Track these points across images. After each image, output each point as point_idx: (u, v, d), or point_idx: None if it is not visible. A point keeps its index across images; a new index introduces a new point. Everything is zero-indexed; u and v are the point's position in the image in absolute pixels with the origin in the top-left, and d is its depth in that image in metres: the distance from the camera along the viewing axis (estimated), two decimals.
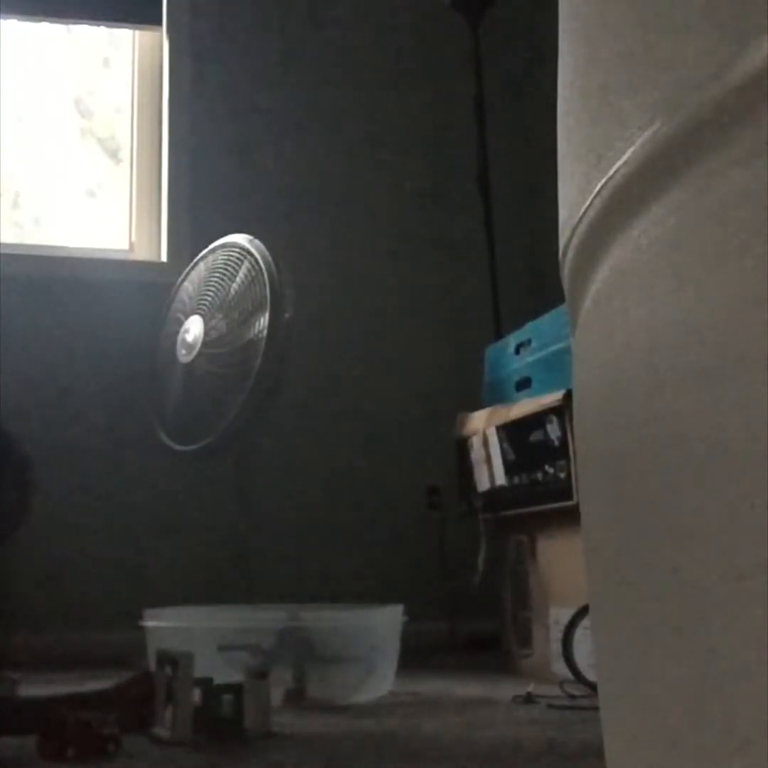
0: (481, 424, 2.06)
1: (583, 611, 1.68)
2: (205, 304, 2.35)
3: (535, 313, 2.06)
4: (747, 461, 0.29)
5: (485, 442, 2.03)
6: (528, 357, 2.06)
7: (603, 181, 0.36)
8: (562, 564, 1.86)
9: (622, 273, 0.36)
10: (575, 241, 0.40)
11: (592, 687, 1.57)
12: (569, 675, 1.66)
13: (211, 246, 2.44)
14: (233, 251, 2.35)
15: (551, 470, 1.82)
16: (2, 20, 2.80)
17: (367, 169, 2.92)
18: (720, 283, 0.30)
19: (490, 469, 2.02)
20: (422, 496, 2.65)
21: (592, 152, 0.37)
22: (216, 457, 2.38)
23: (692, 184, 0.31)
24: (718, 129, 0.30)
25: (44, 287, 2.64)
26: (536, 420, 1.85)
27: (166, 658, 1.28)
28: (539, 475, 1.87)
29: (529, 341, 2.06)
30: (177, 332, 2.40)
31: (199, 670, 1.27)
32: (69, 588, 2.51)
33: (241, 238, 2.36)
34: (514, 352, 2.12)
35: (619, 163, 0.35)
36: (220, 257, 2.38)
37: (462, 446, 2.14)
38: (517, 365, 2.10)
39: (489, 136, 2.78)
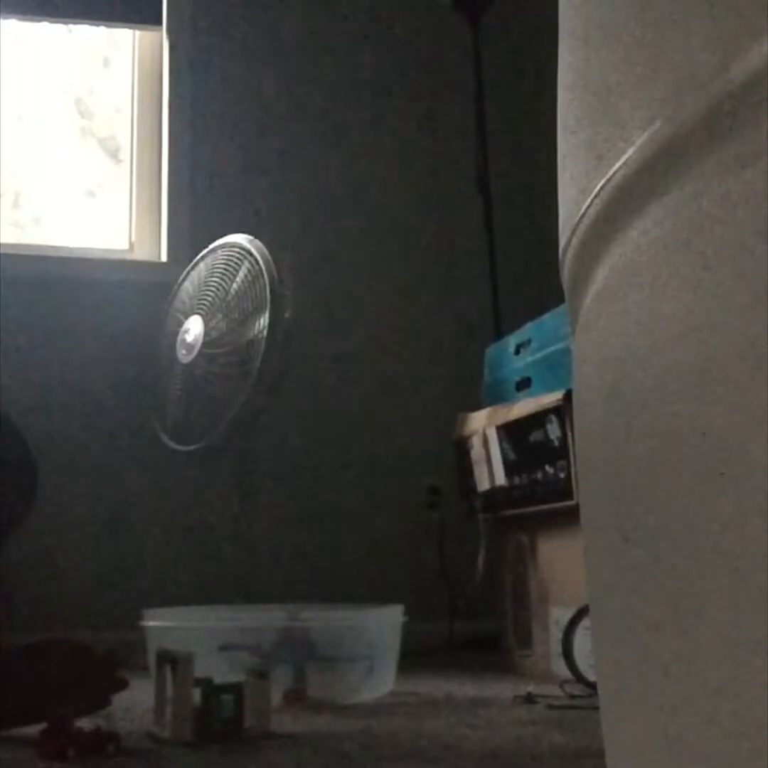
0: (481, 424, 2.06)
1: (583, 611, 1.68)
2: (205, 304, 2.35)
3: (535, 313, 2.06)
4: (747, 461, 0.29)
5: (485, 442, 2.03)
6: (528, 357, 2.06)
7: (603, 181, 0.36)
8: (562, 564, 1.86)
9: (622, 273, 0.36)
10: (575, 240, 0.40)
11: (592, 687, 1.57)
12: (569, 675, 1.66)
13: (211, 246, 2.44)
14: (233, 251, 2.35)
15: (551, 470, 1.82)
16: (2, 20, 2.80)
17: (366, 169, 2.92)
18: (720, 283, 0.30)
19: (490, 469, 2.02)
20: (422, 496, 2.65)
21: (592, 152, 0.37)
22: (216, 458, 2.38)
23: (692, 184, 0.31)
24: (718, 129, 0.30)
25: (44, 287, 2.64)
26: (536, 420, 1.85)
27: (166, 658, 1.28)
28: (539, 475, 1.87)
29: (529, 341, 2.06)
30: (177, 332, 2.40)
31: (199, 670, 1.27)
32: (69, 588, 2.51)
33: (241, 238, 2.36)
34: (514, 352, 2.12)
35: (619, 163, 0.35)
36: (220, 257, 2.38)
37: (462, 446, 2.14)
38: (517, 365, 2.10)
39: (489, 135, 2.78)
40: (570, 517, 1.77)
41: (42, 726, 1.18)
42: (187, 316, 2.39)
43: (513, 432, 1.94)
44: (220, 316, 2.30)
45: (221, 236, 2.43)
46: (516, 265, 2.87)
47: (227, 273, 2.33)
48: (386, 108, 2.97)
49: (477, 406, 2.16)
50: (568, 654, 1.67)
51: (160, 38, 2.88)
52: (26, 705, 1.24)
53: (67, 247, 2.78)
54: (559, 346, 1.91)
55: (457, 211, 2.94)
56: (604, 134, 0.36)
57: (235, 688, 1.27)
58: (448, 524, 2.52)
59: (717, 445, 0.30)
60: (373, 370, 2.82)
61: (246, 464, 2.38)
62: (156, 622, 1.69)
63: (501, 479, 1.99)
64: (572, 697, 1.60)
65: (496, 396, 2.16)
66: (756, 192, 0.28)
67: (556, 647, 1.76)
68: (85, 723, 1.21)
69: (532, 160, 2.92)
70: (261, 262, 2.25)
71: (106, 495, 2.59)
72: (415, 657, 1.89)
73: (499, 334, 2.54)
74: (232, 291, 2.29)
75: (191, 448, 2.32)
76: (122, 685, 1.29)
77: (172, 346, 2.39)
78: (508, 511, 2.00)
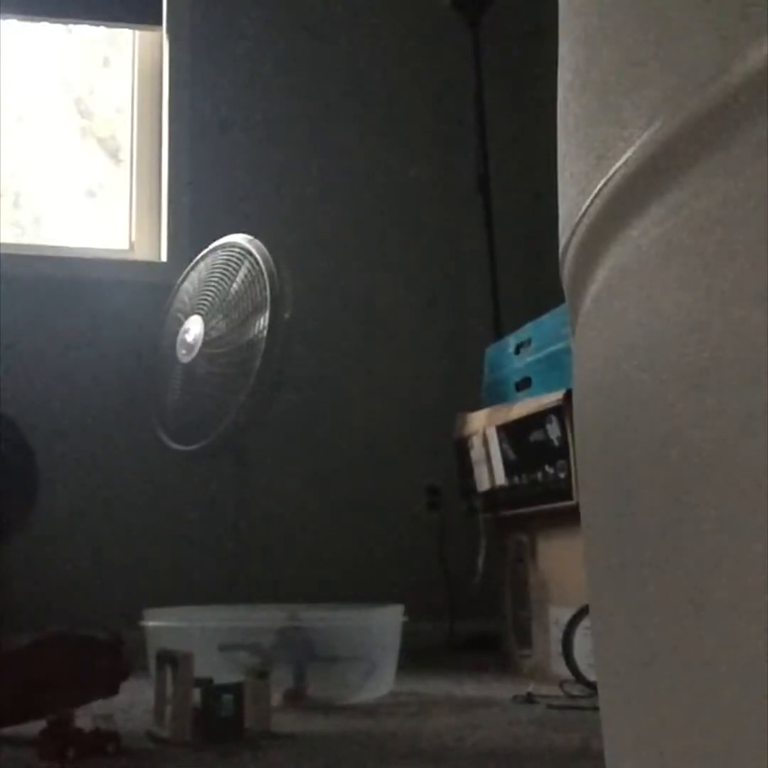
0: (481, 424, 2.06)
1: (583, 611, 1.68)
2: (205, 304, 2.35)
3: (535, 313, 2.06)
4: (747, 461, 0.29)
5: (485, 442, 2.03)
6: (528, 357, 2.06)
7: (603, 181, 0.36)
8: (562, 564, 1.86)
9: (622, 273, 0.36)
10: (575, 240, 0.40)
11: (592, 687, 1.57)
12: (569, 675, 1.66)
13: (211, 246, 2.44)
14: (233, 251, 2.35)
15: (551, 470, 1.82)
16: (2, 20, 2.80)
17: (366, 170, 2.92)
18: (720, 283, 0.30)
19: (490, 469, 2.02)
20: (422, 496, 2.65)
21: (592, 152, 0.37)
22: (216, 457, 2.38)
23: (692, 184, 0.31)
24: (718, 129, 0.30)
25: (44, 287, 2.64)
26: (536, 420, 1.85)
27: (166, 658, 1.28)
28: (539, 475, 1.87)
29: (529, 341, 2.06)
30: (177, 332, 2.40)
31: (199, 670, 1.27)
32: (68, 588, 2.51)
33: (241, 238, 2.36)
34: (514, 352, 2.12)
35: (619, 163, 0.35)
36: (220, 257, 2.38)
37: (462, 446, 2.14)
38: (517, 365, 2.10)
39: (489, 136, 2.78)
40: (570, 517, 1.77)
41: (42, 726, 1.18)
42: (187, 316, 2.39)
43: (513, 432, 1.94)
44: (220, 316, 2.30)
45: (221, 236, 2.43)
46: (516, 265, 2.87)
47: (227, 273, 2.33)
48: (386, 108, 2.96)
49: (477, 406, 2.16)
50: (568, 654, 1.67)
51: (160, 38, 2.88)
52: (30, 704, 1.24)
53: (67, 247, 2.78)
54: (559, 346, 1.91)
55: (457, 211, 2.94)
56: (604, 134, 0.36)
57: (235, 688, 1.28)
58: (448, 524, 2.52)
59: (717, 445, 0.30)
60: (372, 370, 2.82)
61: (246, 464, 2.38)
62: (156, 622, 1.69)
63: (501, 479, 1.99)
64: (572, 697, 1.60)
65: (496, 396, 2.16)
66: (756, 192, 0.28)
67: (556, 647, 1.76)
68: (85, 723, 1.21)
69: (532, 160, 2.92)
70: (261, 263, 2.25)
71: (106, 495, 2.59)
72: (415, 657, 1.89)
73: (499, 334, 2.54)
74: (232, 291, 2.29)
75: (191, 448, 2.32)
76: (125, 673, 1.29)
77: (172, 346, 2.39)
78: (508, 511, 2.00)
